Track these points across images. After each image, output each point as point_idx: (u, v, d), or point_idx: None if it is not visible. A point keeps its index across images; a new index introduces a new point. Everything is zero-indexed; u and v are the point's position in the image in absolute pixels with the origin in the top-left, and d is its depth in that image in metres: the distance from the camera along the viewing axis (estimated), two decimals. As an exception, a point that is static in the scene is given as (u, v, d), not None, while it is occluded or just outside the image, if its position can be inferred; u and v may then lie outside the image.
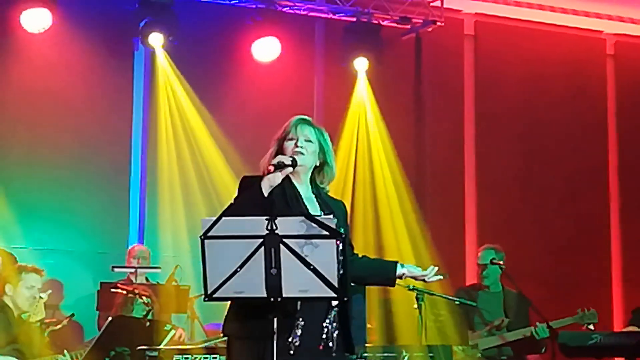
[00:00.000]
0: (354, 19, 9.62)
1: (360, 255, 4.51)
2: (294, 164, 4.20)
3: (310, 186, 4.37)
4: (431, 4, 9.83)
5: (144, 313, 7.00)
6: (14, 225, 8.36)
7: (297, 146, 4.29)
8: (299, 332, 4.07)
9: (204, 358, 6.51)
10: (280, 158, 4.18)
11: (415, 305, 7.23)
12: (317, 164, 4.37)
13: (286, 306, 3.97)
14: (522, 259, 9.22)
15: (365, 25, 9.58)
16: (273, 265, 3.76)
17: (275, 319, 3.88)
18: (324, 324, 4.15)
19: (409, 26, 9.88)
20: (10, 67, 8.66)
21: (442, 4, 9.82)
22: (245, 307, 4.05)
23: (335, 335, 4.17)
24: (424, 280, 4.44)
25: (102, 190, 8.87)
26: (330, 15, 9.72)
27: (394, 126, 9.71)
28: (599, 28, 10.75)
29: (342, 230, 4.10)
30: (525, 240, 9.92)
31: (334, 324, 4.17)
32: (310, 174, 4.37)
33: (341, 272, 3.93)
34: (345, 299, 4.05)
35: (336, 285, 3.76)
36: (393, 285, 4.42)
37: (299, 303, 4.04)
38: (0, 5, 8.53)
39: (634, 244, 10.54)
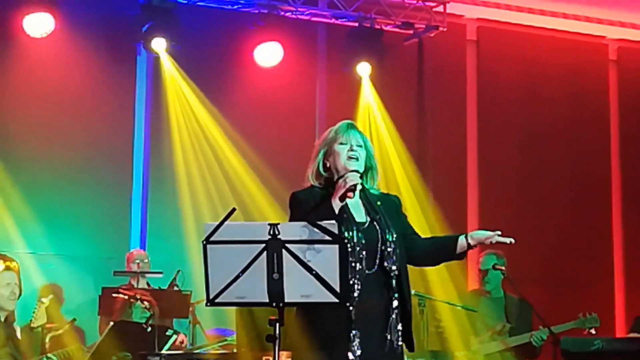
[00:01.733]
0: (357, 24, 9.62)
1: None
2: (361, 177, 4.31)
3: (357, 191, 4.39)
4: (434, 9, 9.82)
5: (144, 317, 7.00)
6: (16, 230, 8.37)
7: (352, 150, 4.34)
8: (358, 338, 4.11)
9: (206, 363, 6.51)
10: (352, 180, 4.22)
11: (418, 311, 7.25)
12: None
13: (339, 315, 4.06)
14: (523, 264, 9.21)
15: (368, 30, 9.58)
16: (275, 271, 3.76)
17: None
18: (390, 327, 4.21)
19: (411, 31, 9.87)
20: (12, 72, 8.66)
21: (444, 9, 9.82)
22: (306, 319, 4.11)
23: (399, 335, 4.24)
24: (490, 242, 4.35)
25: (104, 195, 8.86)
26: (333, 21, 9.71)
27: (397, 131, 9.72)
28: (602, 33, 10.75)
29: (390, 225, 4.29)
30: (526, 245, 9.88)
31: (399, 325, 4.23)
32: None
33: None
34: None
35: (337, 290, 3.76)
36: (461, 258, 4.40)
37: (353, 311, 4.10)
38: (2, 10, 8.53)
39: (637, 248, 10.53)
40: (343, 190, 4.20)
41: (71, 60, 8.83)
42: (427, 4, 9.79)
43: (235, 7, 9.27)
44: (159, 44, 8.87)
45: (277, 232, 3.75)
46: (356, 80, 9.70)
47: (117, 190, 8.97)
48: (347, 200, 4.26)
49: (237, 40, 9.29)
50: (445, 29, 9.83)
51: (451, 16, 9.97)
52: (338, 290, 3.76)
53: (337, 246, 3.76)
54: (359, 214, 4.32)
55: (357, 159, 4.33)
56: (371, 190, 4.42)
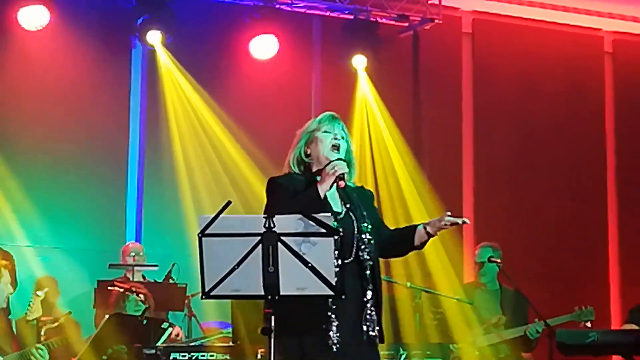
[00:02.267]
0: (352, 17, 9.61)
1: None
2: (348, 166, 4.33)
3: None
4: (429, 2, 9.81)
5: (138, 310, 7.00)
6: (12, 223, 8.36)
7: (335, 139, 4.38)
8: (334, 327, 4.13)
9: (201, 356, 6.51)
10: (341, 168, 4.24)
11: (413, 303, 7.26)
12: None
13: (316, 304, 4.05)
14: (519, 257, 9.22)
15: (363, 22, 9.57)
16: (270, 263, 3.76)
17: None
18: (365, 317, 4.23)
19: (406, 24, 9.86)
20: (7, 65, 8.64)
21: (440, 1, 9.80)
22: (283, 306, 4.04)
23: (375, 325, 4.25)
24: (444, 226, 4.30)
25: (100, 188, 8.86)
26: (328, 13, 9.70)
27: (393, 123, 9.73)
28: (597, 26, 10.75)
29: (365, 214, 4.31)
30: (522, 238, 9.92)
31: (373, 316, 4.25)
32: None
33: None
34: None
35: (333, 283, 3.76)
36: (420, 248, 4.41)
37: (330, 300, 4.09)
38: (-3, 3, 8.53)
39: (632, 240, 10.55)
40: (333, 178, 4.21)
41: (66, 53, 8.81)
42: (422, -4, 9.80)
43: (230, -1, 9.27)
44: (154, 37, 8.86)
45: (272, 225, 3.75)
46: (351, 73, 9.69)
47: (112, 183, 8.97)
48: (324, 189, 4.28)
49: (233, 32, 9.28)
50: (440, 22, 9.82)
51: (447, 9, 9.97)
52: (334, 283, 3.76)
53: (332, 239, 3.76)
54: (335, 204, 4.35)
55: (339, 148, 4.38)
56: (347, 183, 4.43)
